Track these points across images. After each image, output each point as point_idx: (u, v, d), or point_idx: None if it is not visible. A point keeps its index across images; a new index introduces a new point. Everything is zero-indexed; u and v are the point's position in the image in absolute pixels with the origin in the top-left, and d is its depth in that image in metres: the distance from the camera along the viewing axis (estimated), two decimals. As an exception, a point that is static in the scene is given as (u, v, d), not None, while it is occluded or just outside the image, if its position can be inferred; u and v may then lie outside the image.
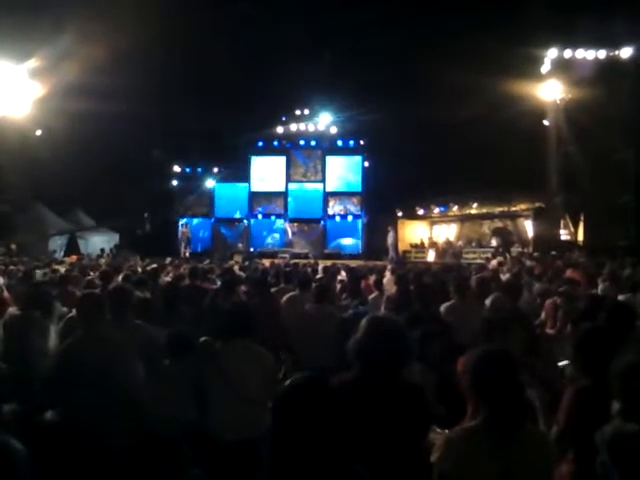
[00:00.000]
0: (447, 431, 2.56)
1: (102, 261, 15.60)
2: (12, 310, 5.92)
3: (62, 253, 22.50)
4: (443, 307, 6.10)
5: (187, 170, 29.83)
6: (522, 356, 3.56)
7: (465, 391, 2.52)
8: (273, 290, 7.61)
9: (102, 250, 23.72)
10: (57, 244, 24.10)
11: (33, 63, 20.28)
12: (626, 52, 21.04)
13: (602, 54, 21.42)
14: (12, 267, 11.56)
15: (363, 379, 2.83)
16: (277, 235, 29.50)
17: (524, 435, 2.42)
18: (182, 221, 29.27)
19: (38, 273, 9.91)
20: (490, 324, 3.81)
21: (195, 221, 29.95)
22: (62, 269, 11.13)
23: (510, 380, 2.43)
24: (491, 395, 2.43)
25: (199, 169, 29.82)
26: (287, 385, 1.97)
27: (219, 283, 8.46)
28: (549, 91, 22.16)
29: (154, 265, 11.48)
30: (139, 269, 11.20)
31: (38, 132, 22.64)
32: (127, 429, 3.70)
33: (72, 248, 23.52)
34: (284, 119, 29.64)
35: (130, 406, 3.82)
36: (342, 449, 1.91)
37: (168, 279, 9.19)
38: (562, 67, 21.83)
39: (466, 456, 2.39)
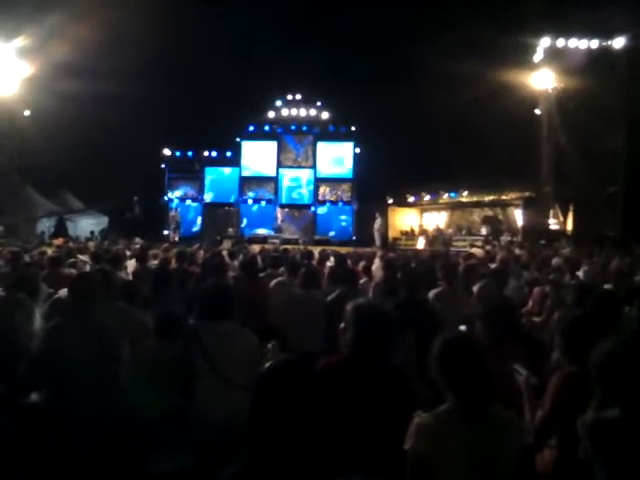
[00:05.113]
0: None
1: (91, 244, 15.49)
2: (-2, 291, 5.87)
3: (50, 235, 22.35)
4: (431, 293, 6.11)
5: (177, 153, 29.67)
6: (509, 342, 3.58)
7: (434, 376, 2.57)
8: (262, 275, 7.61)
9: (92, 233, 23.60)
10: (45, 226, 23.95)
11: (21, 41, 20.02)
12: (619, 42, 21.04)
13: (595, 44, 21.43)
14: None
15: (350, 363, 2.86)
16: (267, 218, 29.33)
17: (492, 416, 2.49)
18: (172, 205, 29.17)
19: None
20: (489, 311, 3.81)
21: (185, 205, 29.85)
22: (49, 251, 11.06)
23: (473, 364, 2.51)
24: (455, 380, 2.51)
25: (189, 152, 29.68)
26: (267, 368, 1.95)
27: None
28: (541, 80, 22.17)
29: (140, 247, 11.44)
30: (127, 252, 11.16)
31: (26, 112, 22.39)
32: (112, 412, 3.68)
33: (60, 230, 23.38)
34: (279, 104, 29.56)
35: (116, 389, 3.80)
36: (323, 432, 1.90)
37: (156, 262, 9.15)
38: (555, 56, 21.84)
39: (436, 440, 2.45)
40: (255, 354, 3.96)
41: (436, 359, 2.59)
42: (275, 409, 1.83)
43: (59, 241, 16.54)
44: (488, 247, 16.80)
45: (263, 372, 1.94)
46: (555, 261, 10.14)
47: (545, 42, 21.86)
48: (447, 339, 2.64)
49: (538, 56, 22.16)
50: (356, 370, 2.84)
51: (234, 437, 3.45)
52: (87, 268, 8.16)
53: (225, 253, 11.21)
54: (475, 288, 6.37)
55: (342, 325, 3.06)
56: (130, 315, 4.68)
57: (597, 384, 2.60)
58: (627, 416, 2.40)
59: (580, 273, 8.60)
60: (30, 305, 5.12)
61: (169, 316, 4.27)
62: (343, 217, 29.69)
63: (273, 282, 6.83)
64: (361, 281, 7.65)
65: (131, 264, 9.05)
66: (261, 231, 28.60)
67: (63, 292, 5.20)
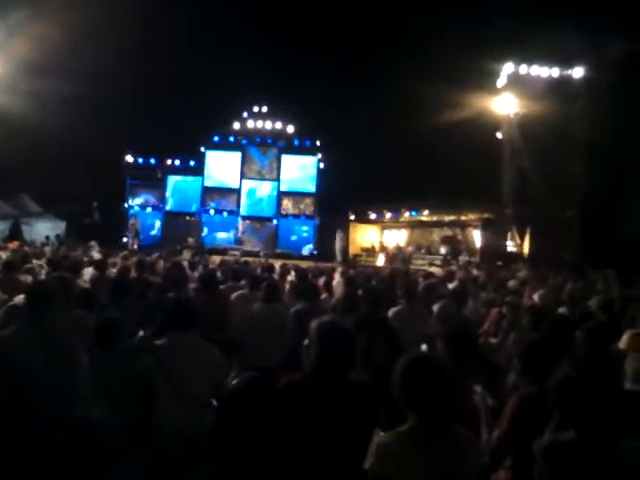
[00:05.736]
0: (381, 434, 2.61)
1: (47, 249, 15.16)
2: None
3: (4, 238, 21.76)
4: (391, 312, 6.15)
5: (140, 160, 29.35)
6: (469, 363, 3.63)
7: (395, 396, 2.59)
8: (223, 287, 7.57)
9: (47, 237, 23.08)
10: (-1, 229, 23.35)
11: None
12: (578, 72, 21.71)
13: (556, 72, 22.06)
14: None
15: (313, 380, 2.88)
16: (229, 233, 29.29)
17: (451, 437, 2.51)
18: (132, 212, 28.80)
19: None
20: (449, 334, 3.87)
21: (145, 212, 29.49)
22: (3, 255, 10.80)
23: (436, 386, 2.52)
24: (417, 400, 2.53)
25: (152, 159, 29.39)
26: (233, 385, 1.95)
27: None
28: (504, 105, 22.68)
29: (99, 256, 11.27)
30: (85, 259, 10.97)
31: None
32: (69, 422, 3.60)
33: (15, 234, 22.78)
34: (245, 115, 29.53)
35: (73, 398, 3.72)
36: (286, 448, 1.91)
37: (114, 270, 9.01)
38: (517, 82, 22.39)
39: (396, 459, 2.46)
40: (217, 368, 3.92)
41: (399, 379, 2.59)
42: (241, 426, 1.84)
43: (14, 245, 16.12)
44: (452, 267, 16.99)
45: (230, 389, 1.94)
46: (512, 283, 10.34)
47: (508, 68, 22.41)
48: (410, 359, 2.65)
49: (501, 81, 22.70)
50: (319, 388, 2.85)
51: (193, 452, 3.43)
52: (43, 274, 7.99)
53: (186, 264, 11.10)
54: (435, 307, 6.46)
55: (306, 342, 3.08)
56: (88, 323, 4.59)
57: (554, 407, 2.66)
58: (582, 439, 2.46)
59: (535, 296, 8.78)
60: (-17, 311, 4.99)
61: (107, 321, 4.14)
62: (305, 230, 29.71)
63: (235, 295, 6.80)
64: (322, 297, 7.68)
65: (88, 272, 8.87)
66: (222, 242, 28.47)
67: (19, 299, 5.08)
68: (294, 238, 29.41)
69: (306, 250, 28.61)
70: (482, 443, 3.12)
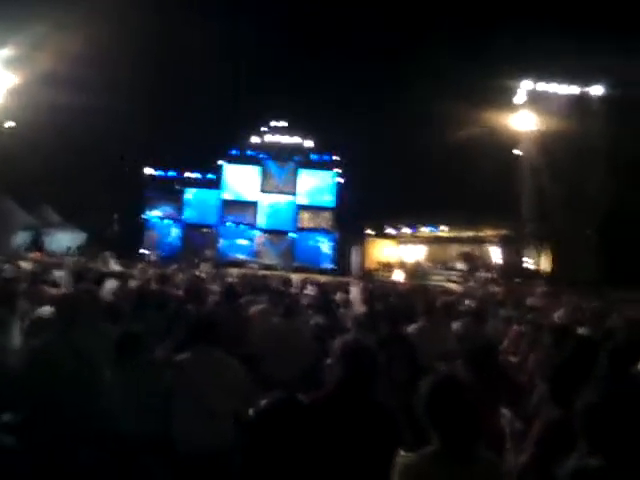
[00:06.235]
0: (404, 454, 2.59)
1: (67, 259, 15.29)
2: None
3: (26, 248, 21.99)
4: (411, 329, 6.11)
5: (159, 173, 29.63)
6: (493, 385, 3.61)
7: (419, 417, 2.57)
8: (242, 300, 7.57)
9: (68, 248, 23.29)
10: (22, 239, 23.57)
11: (7, 52, 19.84)
12: (597, 90, 21.65)
13: (574, 89, 22.02)
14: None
15: (336, 399, 2.87)
16: (246, 242, 29.48)
17: (476, 459, 2.48)
18: (151, 224, 29.04)
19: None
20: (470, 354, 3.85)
21: (164, 224, 29.71)
22: (26, 266, 10.91)
23: (462, 408, 2.49)
24: (443, 423, 2.49)
25: (171, 172, 29.66)
26: (263, 406, 1.97)
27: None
28: (522, 122, 22.63)
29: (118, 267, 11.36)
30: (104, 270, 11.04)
31: (9, 124, 22.19)
32: (95, 435, 3.62)
33: (36, 244, 23.03)
34: (264, 129, 29.75)
35: (98, 411, 3.73)
36: (312, 466, 1.92)
37: (135, 283, 9.05)
38: (536, 99, 22.35)
39: None
40: (239, 383, 3.92)
41: (424, 399, 2.56)
42: (271, 446, 1.85)
43: (36, 255, 16.31)
44: (471, 284, 16.90)
45: (259, 410, 1.95)
46: (530, 300, 10.26)
47: (526, 85, 22.39)
48: (437, 379, 2.62)
49: (519, 98, 22.66)
50: (342, 406, 2.84)
51: (215, 466, 3.44)
52: (64, 285, 8.05)
53: (204, 276, 11.15)
54: (454, 325, 6.42)
55: (329, 360, 3.07)
56: (112, 336, 4.62)
57: (581, 433, 2.62)
58: (610, 466, 2.41)
59: (555, 315, 8.69)
60: (9, 320, 5.04)
61: (129, 334, 4.14)
62: (322, 245, 29.75)
63: (255, 310, 6.80)
64: (340, 311, 7.68)
65: (109, 283, 8.93)
66: (240, 252, 28.61)
67: (44, 310, 5.13)
68: (311, 251, 29.46)
69: (324, 263, 28.66)
70: (508, 466, 3.09)
